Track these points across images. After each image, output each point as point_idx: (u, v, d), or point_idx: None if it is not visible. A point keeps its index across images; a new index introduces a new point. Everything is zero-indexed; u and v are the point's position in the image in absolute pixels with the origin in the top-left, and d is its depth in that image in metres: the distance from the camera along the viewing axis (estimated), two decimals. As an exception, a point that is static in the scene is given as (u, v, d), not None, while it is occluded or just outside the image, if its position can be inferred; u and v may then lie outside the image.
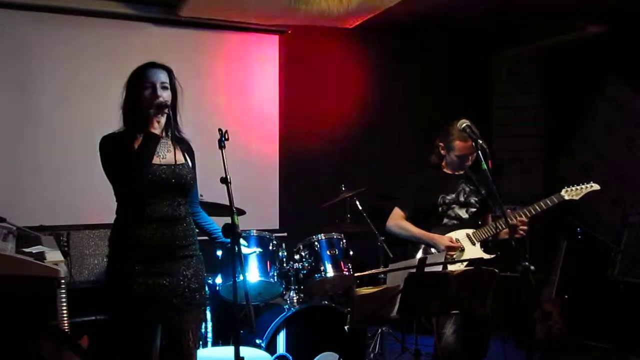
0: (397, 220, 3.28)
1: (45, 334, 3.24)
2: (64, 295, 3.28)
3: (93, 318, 3.66)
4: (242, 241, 2.83)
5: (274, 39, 4.85)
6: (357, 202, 4.11)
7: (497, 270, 2.52)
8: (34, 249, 2.52)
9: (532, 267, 2.50)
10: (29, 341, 3.25)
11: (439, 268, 2.55)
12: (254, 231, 3.53)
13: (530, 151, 5.57)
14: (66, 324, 3.27)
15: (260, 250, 3.29)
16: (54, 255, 2.48)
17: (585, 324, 4.48)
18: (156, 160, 2.36)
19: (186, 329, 2.44)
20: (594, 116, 5.17)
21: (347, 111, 5.22)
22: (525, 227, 3.11)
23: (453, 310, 2.60)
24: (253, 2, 4.04)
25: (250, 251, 3.11)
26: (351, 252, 3.67)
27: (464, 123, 2.91)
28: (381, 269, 3.16)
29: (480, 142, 2.73)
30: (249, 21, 4.54)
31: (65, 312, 3.27)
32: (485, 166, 2.67)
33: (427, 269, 2.38)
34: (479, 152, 2.71)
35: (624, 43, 4.85)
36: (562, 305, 4.34)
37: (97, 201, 3.82)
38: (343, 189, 4.20)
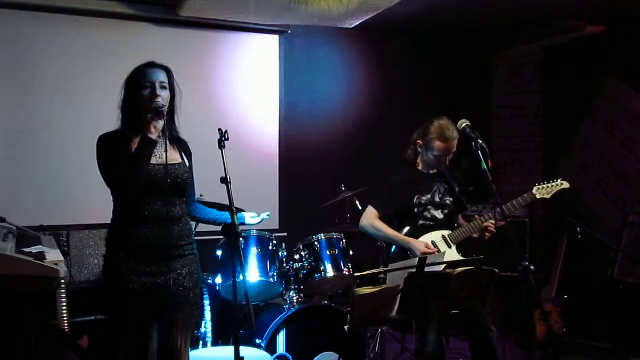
0: (372, 220, 3.28)
1: (45, 334, 3.24)
2: (64, 295, 3.29)
3: (93, 318, 3.67)
4: (251, 214, 2.89)
5: (274, 39, 4.85)
6: (357, 202, 4.11)
7: (497, 270, 2.52)
8: (34, 249, 2.52)
9: (532, 267, 2.50)
10: (29, 341, 3.26)
11: (439, 268, 2.55)
12: (254, 231, 3.53)
13: (530, 151, 5.57)
14: (66, 324, 3.27)
15: (269, 213, 3.10)
16: (54, 255, 2.49)
17: (585, 324, 4.48)
18: (152, 160, 2.37)
19: (179, 327, 2.46)
20: (594, 116, 5.17)
21: (347, 111, 5.22)
22: (494, 230, 3.11)
23: (453, 310, 2.60)
24: (253, 2, 4.04)
25: (258, 220, 2.98)
26: (351, 252, 3.67)
27: (463, 123, 2.90)
28: (381, 269, 3.16)
29: (480, 142, 2.73)
30: (249, 21, 4.54)
31: (65, 312, 3.28)
32: (485, 166, 2.67)
33: (427, 269, 2.39)
34: (479, 152, 2.71)
35: (624, 43, 4.85)
36: (562, 305, 4.34)
37: (97, 201, 3.80)
38: (343, 189, 4.20)
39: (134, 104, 2.38)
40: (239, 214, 2.88)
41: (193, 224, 2.63)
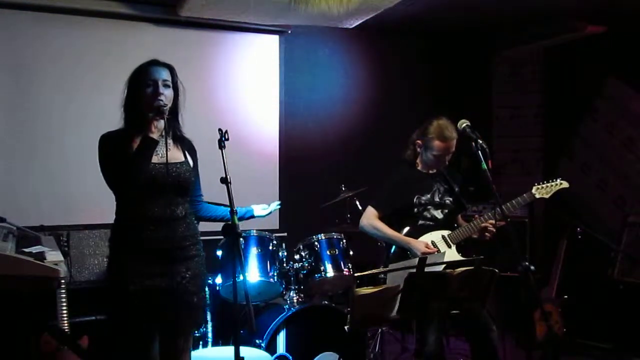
0: (371, 220, 3.29)
1: (45, 334, 3.25)
2: (64, 295, 3.30)
3: (93, 318, 3.68)
4: (261, 206, 2.87)
5: (274, 39, 4.84)
6: (357, 202, 4.11)
7: (497, 270, 2.52)
8: (34, 249, 2.51)
9: (532, 267, 2.50)
10: (29, 341, 3.26)
11: (439, 268, 2.55)
12: (254, 231, 3.53)
13: (530, 151, 5.57)
14: (66, 324, 3.28)
15: (279, 203, 3.04)
16: (54, 255, 2.48)
17: (585, 324, 4.48)
18: (154, 159, 2.36)
19: (181, 330, 2.45)
20: (594, 116, 5.17)
21: (347, 111, 5.22)
22: (493, 230, 3.11)
23: (453, 310, 2.61)
24: (253, 2, 4.04)
25: (268, 211, 2.93)
26: (351, 252, 3.67)
27: (463, 123, 2.91)
28: (381, 269, 3.17)
29: (480, 142, 2.74)
30: (249, 21, 4.54)
31: (65, 312, 3.29)
32: (485, 166, 2.68)
33: (427, 269, 2.38)
34: (479, 152, 2.71)
35: (624, 43, 4.85)
36: (562, 305, 4.35)
37: (97, 201, 3.83)
38: (343, 189, 4.20)
39: (137, 102, 2.37)
40: (247, 207, 2.87)
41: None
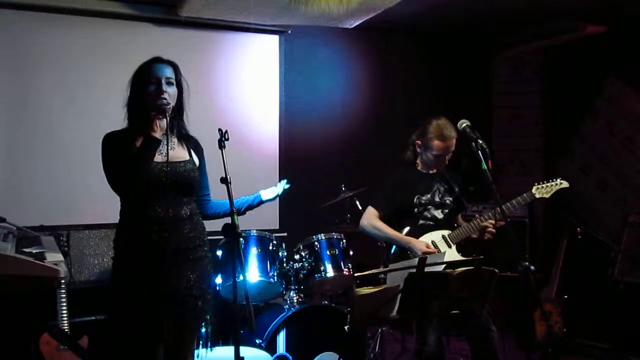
0: (372, 220, 3.29)
1: (45, 334, 3.25)
2: (64, 295, 3.30)
3: (93, 318, 3.67)
4: (270, 189, 2.72)
5: (274, 39, 4.84)
6: (357, 202, 4.11)
7: (497, 270, 2.52)
8: (34, 249, 2.51)
9: (532, 267, 2.50)
10: (29, 341, 3.26)
11: (439, 268, 2.55)
12: (254, 231, 3.53)
13: (530, 151, 5.58)
14: (66, 324, 3.28)
15: (286, 180, 2.88)
16: (54, 255, 2.48)
17: (585, 324, 4.48)
18: (156, 157, 2.33)
19: (184, 333, 2.43)
20: (594, 116, 5.18)
21: (347, 111, 5.22)
22: (493, 230, 3.11)
23: (453, 310, 2.60)
24: (253, 2, 4.04)
25: (278, 191, 2.75)
26: (351, 252, 3.67)
27: (463, 123, 2.91)
28: (381, 269, 3.17)
29: (480, 142, 2.74)
30: (249, 21, 4.54)
31: (65, 312, 3.29)
32: (485, 166, 2.68)
33: (427, 269, 2.38)
34: (479, 152, 2.71)
35: (624, 43, 4.85)
36: (562, 305, 4.35)
37: (97, 201, 3.85)
38: (343, 189, 4.20)
39: (139, 100, 2.35)
40: (255, 194, 2.77)
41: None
